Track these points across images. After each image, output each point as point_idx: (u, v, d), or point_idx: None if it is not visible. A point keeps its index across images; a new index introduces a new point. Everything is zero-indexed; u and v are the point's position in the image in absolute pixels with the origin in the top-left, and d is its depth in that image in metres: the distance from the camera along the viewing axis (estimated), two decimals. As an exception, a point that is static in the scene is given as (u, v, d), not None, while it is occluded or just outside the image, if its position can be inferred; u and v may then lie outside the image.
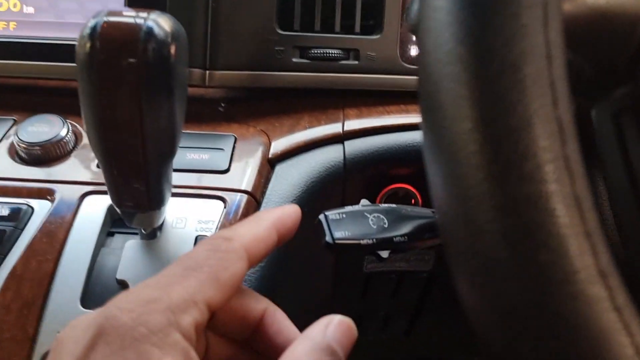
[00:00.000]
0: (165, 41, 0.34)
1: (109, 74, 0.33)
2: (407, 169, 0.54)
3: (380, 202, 0.56)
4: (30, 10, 0.54)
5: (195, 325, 0.23)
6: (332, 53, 0.54)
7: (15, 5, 0.54)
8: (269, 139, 0.52)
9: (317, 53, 0.54)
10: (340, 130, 0.53)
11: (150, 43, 0.33)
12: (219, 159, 0.49)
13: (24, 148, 0.48)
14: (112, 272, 0.42)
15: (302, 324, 0.58)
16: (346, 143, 0.52)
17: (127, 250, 0.42)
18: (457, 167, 0.20)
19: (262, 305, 0.29)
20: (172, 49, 0.34)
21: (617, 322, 0.19)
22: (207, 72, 0.53)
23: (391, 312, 0.65)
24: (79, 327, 0.23)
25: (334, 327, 0.26)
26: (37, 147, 0.48)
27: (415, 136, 0.53)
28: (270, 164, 0.50)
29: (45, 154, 0.49)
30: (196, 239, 0.43)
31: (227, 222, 0.44)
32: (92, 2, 0.54)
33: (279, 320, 0.29)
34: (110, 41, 0.32)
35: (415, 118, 0.54)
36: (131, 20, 0.33)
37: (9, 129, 0.51)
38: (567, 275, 0.19)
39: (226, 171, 0.48)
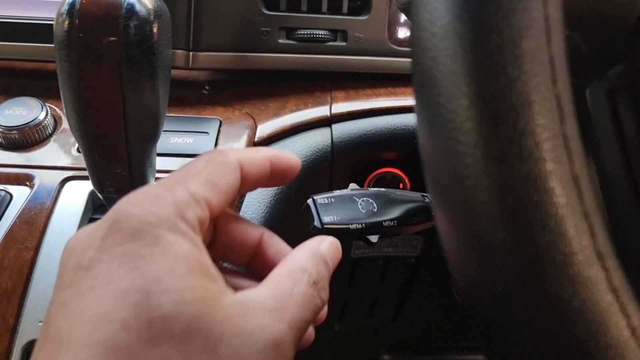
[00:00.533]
0: (147, 19, 0.32)
1: (88, 53, 0.32)
2: (395, 153, 0.53)
3: (369, 186, 0.55)
4: (4, -12, 0.52)
5: (198, 220, 0.25)
6: (319, 34, 0.53)
7: (-12, -16, 0.52)
8: (254, 122, 0.51)
9: (304, 34, 0.53)
10: (328, 114, 0.52)
11: (132, 20, 0.32)
12: (204, 143, 0.48)
13: (1, 132, 0.47)
14: (94, 259, 0.40)
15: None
16: (334, 126, 0.52)
17: (110, 236, 0.41)
18: (453, 145, 0.20)
19: (259, 230, 0.32)
20: (155, 27, 0.33)
21: (614, 304, 0.19)
22: (191, 53, 0.52)
23: (378, 297, 0.65)
24: (91, 226, 0.25)
25: (327, 243, 0.30)
26: (15, 132, 0.47)
27: (404, 119, 0.53)
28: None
29: (24, 139, 0.47)
30: (181, 225, 0.42)
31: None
32: (70, -20, 0.52)
33: (277, 243, 0.32)
34: (89, 18, 0.31)
35: (404, 101, 0.54)
36: (111, -4, 0.32)
37: (-15, 113, 0.49)
38: (566, 256, 0.19)
39: (211, 155, 0.47)
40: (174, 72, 0.50)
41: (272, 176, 0.31)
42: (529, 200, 0.19)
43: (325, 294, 0.27)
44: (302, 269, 0.27)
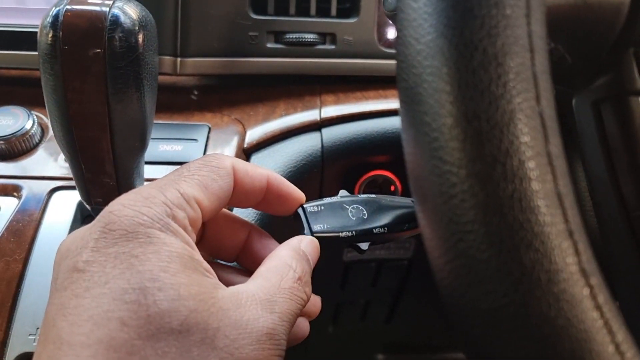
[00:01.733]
0: (132, 30, 0.32)
1: (73, 65, 0.31)
2: (386, 156, 0.53)
3: (360, 190, 0.55)
4: (-12, -5, 0.51)
5: (189, 219, 0.26)
6: (307, 38, 0.53)
7: (-28, -9, 0.51)
8: (244, 128, 0.50)
9: (293, 38, 0.53)
10: (318, 118, 0.52)
11: (117, 32, 0.31)
12: (193, 150, 0.48)
13: (-13, 142, 0.46)
14: (84, 271, 0.40)
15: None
16: (323, 130, 0.51)
17: (100, 247, 0.41)
18: (438, 164, 0.20)
19: (246, 227, 0.33)
20: (140, 38, 0.33)
21: (599, 321, 0.19)
22: (178, 59, 0.51)
23: (371, 300, 0.65)
24: (83, 228, 0.25)
25: (306, 241, 0.32)
26: (1, 142, 0.46)
27: (394, 122, 0.53)
28: (245, 154, 0.49)
29: (10, 149, 0.47)
30: (171, 234, 0.42)
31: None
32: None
33: (265, 239, 0.33)
34: (73, 30, 0.31)
35: (393, 104, 0.54)
36: (96, 7, 0.31)
37: (-30, 122, 0.49)
38: (550, 275, 0.19)
39: (201, 162, 0.47)
40: (161, 78, 0.50)
41: (268, 198, 0.32)
42: (514, 219, 0.19)
43: (309, 289, 0.29)
44: (287, 265, 0.28)
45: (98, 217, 0.25)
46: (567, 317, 0.18)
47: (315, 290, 0.60)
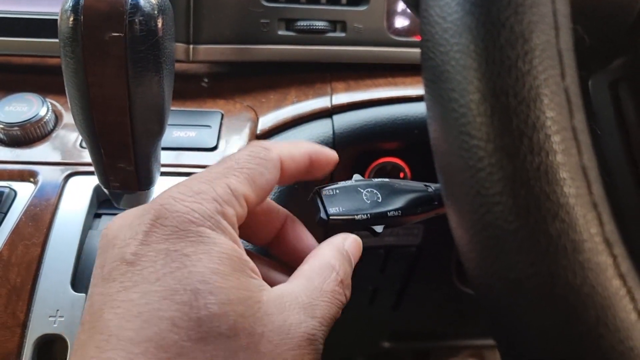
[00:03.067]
0: (152, 14, 0.32)
1: (94, 49, 0.32)
2: (396, 143, 0.54)
3: (370, 176, 0.55)
4: (1, -17, 0.52)
5: (237, 216, 0.26)
6: (318, 25, 0.53)
7: (-16, -22, 0.52)
8: (256, 114, 0.51)
9: (304, 25, 0.53)
10: (329, 105, 0.52)
11: (137, 16, 0.32)
12: (207, 136, 0.48)
13: (2, 129, 0.47)
14: (102, 254, 0.41)
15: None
16: (334, 117, 0.52)
17: (117, 231, 0.41)
18: (466, 139, 0.20)
19: (284, 214, 0.33)
20: (160, 22, 0.33)
21: (622, 289, 0.19)
22: (191, 46, 0.52)
23: (379, 286, 0.65)
24: (131, 216, 0.25)
25: (350, 240, 0.32)
26: (16, 128, 0.47)
27: (404, 109, 0.53)
28: (258, 140, 0.50)
29: (25, 135, 0.47)
30: (187, 218, 0.43)
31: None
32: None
33: (299, 229, 0.34)
34: (94, 14, 0.31)
35: (403, 91, 0.54)
36: (115, -8, 0.32)
37: (-15, 109, 0.49)
38: (576, 244, 0.19)
39: (214, 148, 0.47)
40: (174, 65, 0.50)
41: (310, 170, 0.33)
42: (540, 191, 0.19)
43: (349, 292, 0.29)
44: (330, 266, 0.28)
45: (147, 208, 0.25)
46: (591, 285, 0.19)
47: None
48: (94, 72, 0.32)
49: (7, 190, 0.43)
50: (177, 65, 0.54)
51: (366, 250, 0.60)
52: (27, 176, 0.44)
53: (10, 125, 0.46)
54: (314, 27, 0.53)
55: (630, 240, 0.29)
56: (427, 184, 0.42)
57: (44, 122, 0.48)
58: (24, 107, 0.48)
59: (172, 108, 0.50)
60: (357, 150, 0.53)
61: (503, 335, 0.23)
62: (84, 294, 0.38)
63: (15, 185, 0.44)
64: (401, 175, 0.55)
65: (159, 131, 0.37)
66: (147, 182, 0.39)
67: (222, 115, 0.50)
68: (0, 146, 0.47)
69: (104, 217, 0.44)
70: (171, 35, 0.35)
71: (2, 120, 0.47)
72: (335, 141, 0.51)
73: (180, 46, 0.52)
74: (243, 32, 0.52)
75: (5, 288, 0.39)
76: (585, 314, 0.19)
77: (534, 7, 0.20)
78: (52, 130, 0.48)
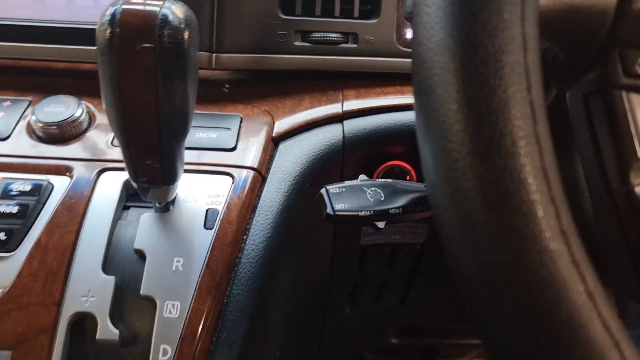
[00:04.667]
0: (179, 27, 0.36)
1: (127, 58, 0.36)
2: (402, 147, 0.57)
3: (378, 178, 0.59)
4: (42, -5, 0.56)
5: None
6: (332, 37, 0.57)
7: (28, -10, 0.56)
8: (272, 118, 0.55)
9: (318, 37, 0.57)
10: (340, 111, 0.56)
11: (166, 29, 0.36)
12: (227, 138, 0.52)
13: (41, 128, 0.51)
14: (129, 242, 0.45)
15: (301, 291, 0.61)
16: (345, 122, 0.55)
17: (143, 222, 0.46)
18: (445, 143, 0.24)
19: None
20: (186, 35, 0.37)
21: (574, 274, 0.23)
22: (214, 55, 0.56)
23: (386, 282, 0.69)
24: None
25: None
26: (54, 127, 0.51)
27: (411, 116, 0.56)
28: (274, 142, 0.53)
29: (62, 133, 0.52)
30: (207, 212, 0.47)
31: (236, 196, 0.48)
32: (102, -13, 0.57)
33: None
34: (128, 27, 0.35)
35: (410, 99, 0.57)
36: (148, 7, 0.36)
37: (26, 110, 0.54)
38: (536, 235, 0.22)
39: (233, 149, 0.51)
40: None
41: None
42: (506, 189, 0.22)
43: None
44: None
45: None
46: (548, 270, 0.22)
47: (334, 272, 0.65)
48: (126, 79, 0.36)
49: (45, 183, 0.48)
50: (201, 72, 0.58)
51: (373, 248, 0.64)
52: (63, 170, 0.49)
53: (49, 124, 0.51)
54: (328, 39, 0.57)
55: (604, 240, 0.32)
56: (428, 185, 0.45)
57: (79, 122, 0.52)
58: (61, 108, 0.53)
59: (196, 111, 0.55)
60: (366, 153, 0.57)
61: (478, 319, 0.26)
62: (113, 277, 0.43)
63: (53, 178, 0.48)
64: (407, 177, 0.59)
65: (184, 132, 0.41)
66: (171, 178, 0.43)
67: (241, 118, 0.54)
68: (39, 143, 0.51)
69: (132, 209, 0.48)
70: (196, 46, 0.39)
71: (41, 119, 0.51)
72: (345, 144, 0.54)
73: (203, 55, 0.56)
74: (262, 42, 0.56)
75: (43, 270, 0.43)
76: (542, 295, 0.22)
77: (506, 30, 0.23)
78: (86, 130, 0.53)
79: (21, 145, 0.51)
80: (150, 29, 0.36)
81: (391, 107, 0.57)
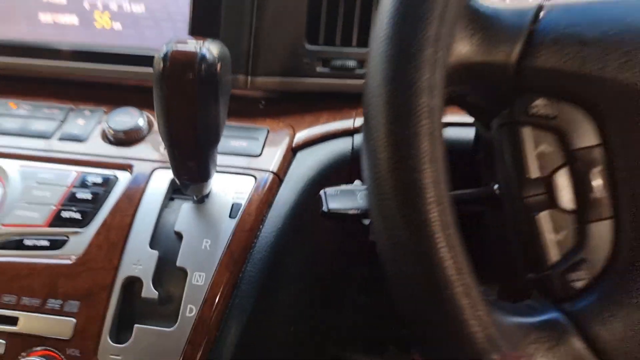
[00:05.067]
0: (214, 62, 0.48)
1: (174, 86, 0.48)
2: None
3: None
4: (118, 26, 0.70)
5: None
6: (349, 64, 0.68)
7: (107, 23, 0.71)
8: (294, 131, 0.66)
9: (337, 64, 0.68)
10: (352, 126, 0.66)
11: (204, 64, 0.47)
12: (254, 146, 0.64)
13: (112, 133, 0.65)
14: (171, 226, 0.57)
15: (311, 278, 0.71)
16: (355, 136, 0.66)
17: (183, 210, 0.58)
18: (373, 161, 0.34)
19: None
20: (219, 67, 0.48)
21: (441, 244, 0.31)
22: (249, 77, 0.68)
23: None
24: None
25: None
26: (122, 133, 0.65)
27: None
28: (293, 151, 0.65)
29: (127, 138, 0.65)
30: (232, 205, 0.58)
31: (256, 194, 0.59)
32: (165, 24, 0.70)
33: None
34: (177, 62, 0.47)
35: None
36: (191, 47, 0.48)
37: (101, 118, 0.68)
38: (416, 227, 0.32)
39: (259, 155, 0.63)
40: (236, 91, 0.66)
41: None
42: (403, 202, 0.32)
43: None
44: None
45: None
46: (417, 241, 0.31)
47: (346, 264, 0.74)
48: (172, 101, 0.48)
49: (112, 177, 0.61)
50: (238, 91, 0.70)
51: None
52: (126, 167, 0.62)
53: (117, 131, 0.65)
54: (346, 66, 0.67)
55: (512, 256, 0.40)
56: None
57: (141, 130, 0.65)
58: (127, 117, 0.66)
59: (232, 124, 0.67)
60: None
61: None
62: (157, 251, 0.55)
63: (118, 173, 0.62)
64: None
65: (215, 140, 0.53)
66: (206, 176, 0.55)
67: (268, 131, 0.66)
68: (109, 145, 0.65)
69: (176, 200, 0.61)
70: (228, 75, 0.50)
71: (112, 127, 0.65)
72: (353, 154, 0.65)
73: (241, 77, 0.68)
74: (290, 67, 0.68)
75: (106, 243, 0.56)
76: (412, 267, 0.31)
77: (418, 81, 0.33)
78: (145, 136, 0.66)
79: (96, 146, 0.65)
80: (192, 64, 0.47)
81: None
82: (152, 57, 0.70)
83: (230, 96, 0.52)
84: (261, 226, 0.57)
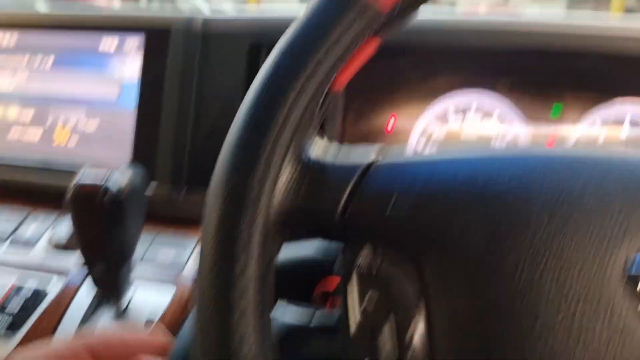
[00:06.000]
0: (118, 194, 0.53)
1: (81, 211, 0.53)
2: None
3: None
4: (72, 143, 0.78)
5: None
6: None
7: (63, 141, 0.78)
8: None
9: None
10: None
11: (106, 197, 0.52)
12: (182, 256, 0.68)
13: (56, 240, 0.71)
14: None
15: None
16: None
17: (101, 323, 0.62)
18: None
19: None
20: (123, 198, 0.53)
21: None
22: (184, 190, 0.73)
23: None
24: None
25: None
26: (64, 239, 0.71)
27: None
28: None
29: (69, 245, 0.71)
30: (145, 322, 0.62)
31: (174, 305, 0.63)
32: (113, 142, 0.77)
33: None
34: (80, 194, 0.53)
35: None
36: (97, 180, 0.53)
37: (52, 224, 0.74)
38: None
39: (185, 264, 0.67)
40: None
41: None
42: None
43: None
44: None
45: None
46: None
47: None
48: (81, 226, 0.54)
49: (42, 290, 0.66)
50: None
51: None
52: (62, 273, 0.67)
53: (60, 237, 0.71)
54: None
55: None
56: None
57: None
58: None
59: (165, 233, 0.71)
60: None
61: None
62: None
63: (54, 278, 0.67)
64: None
65: (125, 258, 0.57)
66: (119, 291, 0.59)
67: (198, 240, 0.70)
68: (54, 250, 0.71)
69: (104, 308, 0.65)
70: (139, 199, 0.56)
71: (56, 233, 0.71)
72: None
73: (174, 193, 0.73)
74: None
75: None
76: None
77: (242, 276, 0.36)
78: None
79: (41, 251, 0.70)
80: (94, 197, 0.52)
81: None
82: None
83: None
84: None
